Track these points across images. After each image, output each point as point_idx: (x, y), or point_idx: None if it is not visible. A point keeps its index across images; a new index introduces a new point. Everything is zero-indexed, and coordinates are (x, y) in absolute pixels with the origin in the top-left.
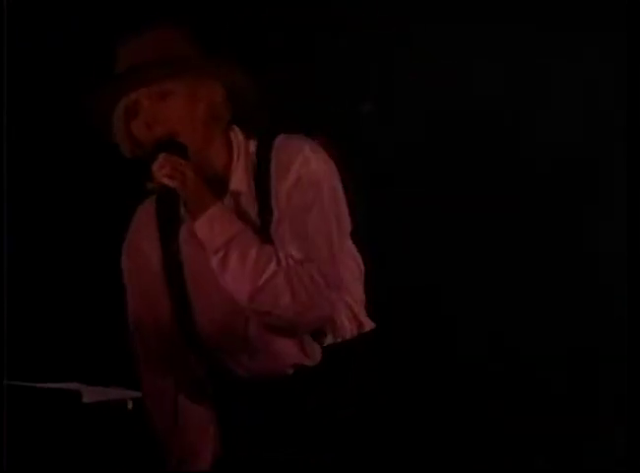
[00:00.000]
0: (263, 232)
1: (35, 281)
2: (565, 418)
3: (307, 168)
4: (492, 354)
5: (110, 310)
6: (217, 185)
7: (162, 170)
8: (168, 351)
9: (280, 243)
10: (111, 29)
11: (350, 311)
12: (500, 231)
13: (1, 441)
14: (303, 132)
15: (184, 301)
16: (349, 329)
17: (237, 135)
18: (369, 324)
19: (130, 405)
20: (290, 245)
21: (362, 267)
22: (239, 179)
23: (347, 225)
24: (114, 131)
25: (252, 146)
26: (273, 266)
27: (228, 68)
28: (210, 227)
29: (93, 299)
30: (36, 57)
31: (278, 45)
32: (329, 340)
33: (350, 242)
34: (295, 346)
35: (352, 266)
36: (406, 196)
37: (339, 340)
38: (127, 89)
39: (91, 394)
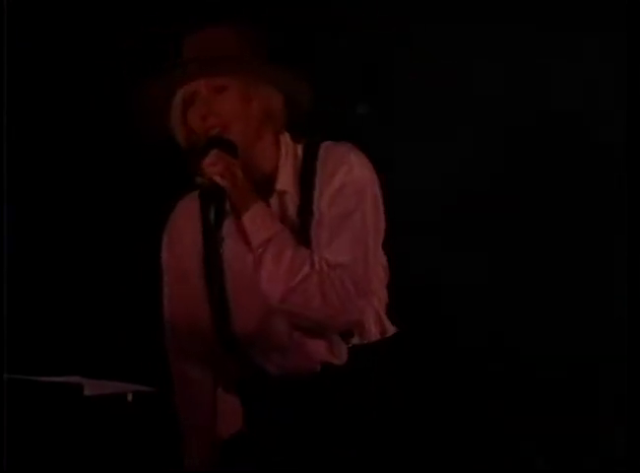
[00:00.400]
0: (302, 232)
1: (37, 275)
2: (565, 418)
3: (351, 175)
4: (493, 354)
5: (112, 305)
6: (262, 184)
7: (214, 168)
8: (202, 343)
9: (316, 246)
10: (111, 29)
11: (376, 316)
12: (500, 231)
13: (1, 435)
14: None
15: (222, 295)
16: (374, 333)
17: (286, 138)
18: (392, 329)
19: (130, 398)
20: (326, 250)
21: (388, 273)
22: (286, 180)
23: (382, 233)
24: (171, 119)
25: (299, 150)
26: (307, 269)
27: (289, 76)
28: (252, 223)
29: (95, 293)
30: (37, 57)
31: (278, 45)
32: (355, 341)
33: (381, 250)
34: (325, 345)
35: (380, 273)
36: (406, 194)
37: (364, 342)
38: (188, 78)
39: (92, 387)
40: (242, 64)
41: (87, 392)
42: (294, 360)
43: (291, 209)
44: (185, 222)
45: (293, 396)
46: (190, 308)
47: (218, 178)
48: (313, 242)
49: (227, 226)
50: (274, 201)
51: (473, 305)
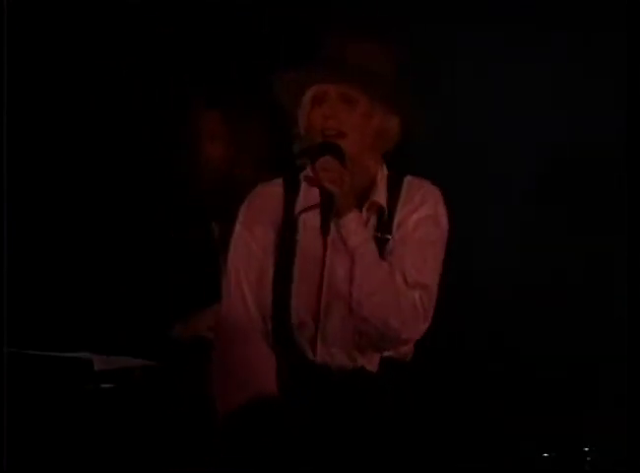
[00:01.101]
0: (378, 243)
1: (48, 253)
2: (565, 418)
3: (437, 209)
4: (494, 354)
5: (122, 286)
6: (358, 194)
7: (327, 174)
8: (255, 324)
9: (398, 263)
10: (111, 28)
11: None
12: (497, 232)
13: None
14: None
15: (288, 277)
16: (409, 352)
17: (382, 161)
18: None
19: (137, 372)
20: (408, 268)
21: None
22: (380, 194)
23: None
24: (299, 109)
25: (385, 170)
26: (388, 280)
27: (412, 103)
28: (348, 226)
29: (105, 273)
30: (37, 57)
31: (278, 46)
32: (388, 354)
33: None
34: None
35: None
36: None
37: (396, 357)
38: (329, 77)
39: (101, 362)
40: (378, 81)
41: (97, 367)
42: (335, 355)
43: (375, 222)
44: (265, 204)
45: (323, 385)
46: (253, 280)
47: (328, 184)
48: (394, 258)
49: (305, 218)
50: (366, 210)
51: (474, 306)
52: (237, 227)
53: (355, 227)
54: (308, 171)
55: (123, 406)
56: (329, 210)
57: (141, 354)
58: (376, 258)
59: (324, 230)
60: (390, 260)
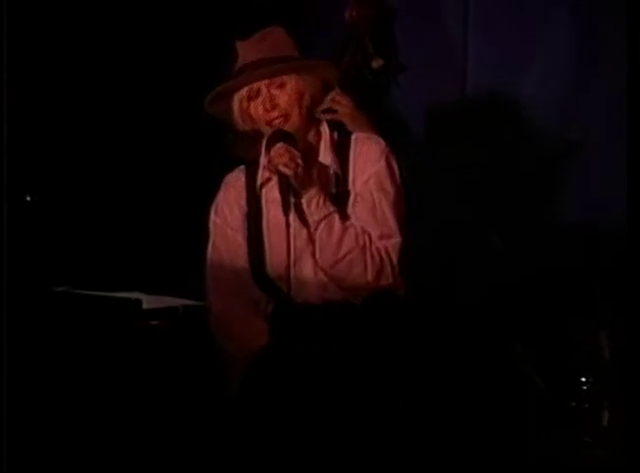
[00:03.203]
0: (338, 200)
1: (104, 202)
2: (565, 417)
3: (387, 159)
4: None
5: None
6: (307, 157)
7: (281, 159)
8: (241, 283)
9: (358, 220)
10: (110, 29)
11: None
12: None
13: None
14: None
15: (260, 245)
16: (399, 286)
17: (324, 124)
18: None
19: (181, 310)
20: (369, 224)
21: None
22: (325, 155)
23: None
24: (234, 111)
25: (335, 135)
26: (351, 243)
27: (326, 65)
28: (308, 206)
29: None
30: (37, 57)
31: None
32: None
33: None
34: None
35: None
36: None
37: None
38: (255, 79)
39: (149, 302)
40: (299, 64)
41: (145, 305)
42: (317, 293)
43: (329, 177)
44: (233, 191)
45: (315, 322)
46: (232, 257)
47: (283, 168)
48: (354, 215)
49: (267, 193)
50: (315, 170)
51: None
52: (211, 213)
53: (315, 206)
54: (265, 160)
55: (168, 336)
56: (287, 191)
57: (183, 294)
58: (339, 227)
59: (285, 209)
60: (352, 217)
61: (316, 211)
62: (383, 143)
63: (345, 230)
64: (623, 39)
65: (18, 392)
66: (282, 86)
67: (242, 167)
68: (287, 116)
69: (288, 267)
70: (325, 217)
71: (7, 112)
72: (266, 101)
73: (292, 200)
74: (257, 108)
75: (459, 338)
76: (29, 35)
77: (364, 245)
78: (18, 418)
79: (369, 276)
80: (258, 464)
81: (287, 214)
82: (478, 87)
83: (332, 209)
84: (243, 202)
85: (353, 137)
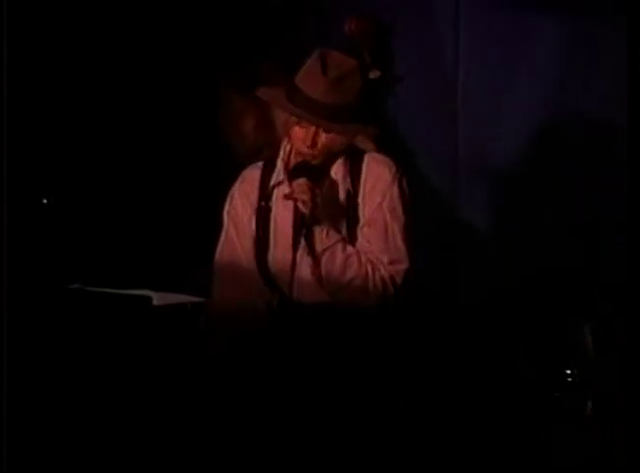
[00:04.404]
0: (349, 220)
1: (113, 199)
2: (565, 417)
3: (402, 185)
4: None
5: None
6: (321, 174)
7: (301, 196)
8: (244, 273)
9: (369, 243)
10: (110, 29)
11: None
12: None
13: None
14: None
15: (266, 239)
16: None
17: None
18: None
19: (189, 307)
20: (380, 249)
21: None
22: (337, 169)
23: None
24: (281, 116)
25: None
26: (353, 272)
27: (375, 130)
28: (318, 236)
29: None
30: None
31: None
32: None
33: None
34: None
35: None
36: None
37: None
38: (309, 122)
39: (159, 298)
40: (354, 130)
41: (155, 302)
42: (312, 293)
43: (340, 195)
44: (247, 185)
45: (306, 318)
46: (241, 246)
47: (301, 205)
48: (364, 238)
49: (278, 193)
50: (326, 187)
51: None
52: (226, 204)
53: (320, 236)
54: (285, 187)
55: (177, 331)
56: (300, 226)
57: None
58: (341, 258)
59: (295, 243)
60: (363, 239)
61: (321, 241)
62: (395, 166)
63: (347, 258)
64: (623, 39)
65: (26, 390)
66: (328, 131)
67: (260, 163)
68: (320, 154)
69: (289, 266)
70: (329, 247)
71: (7, 112)
72: (308, 138)
73: (303, 231)
74: (297, 135)
75: (459, 338)
76: (36, 38)
77: (367, 274)
78: (20, 418)
79: (372, 302)
80: (257, 463)
81: (295, 251)
82: (470, 87)
83: (336, 239)
84: (255, 197)
85: (367, 156)
